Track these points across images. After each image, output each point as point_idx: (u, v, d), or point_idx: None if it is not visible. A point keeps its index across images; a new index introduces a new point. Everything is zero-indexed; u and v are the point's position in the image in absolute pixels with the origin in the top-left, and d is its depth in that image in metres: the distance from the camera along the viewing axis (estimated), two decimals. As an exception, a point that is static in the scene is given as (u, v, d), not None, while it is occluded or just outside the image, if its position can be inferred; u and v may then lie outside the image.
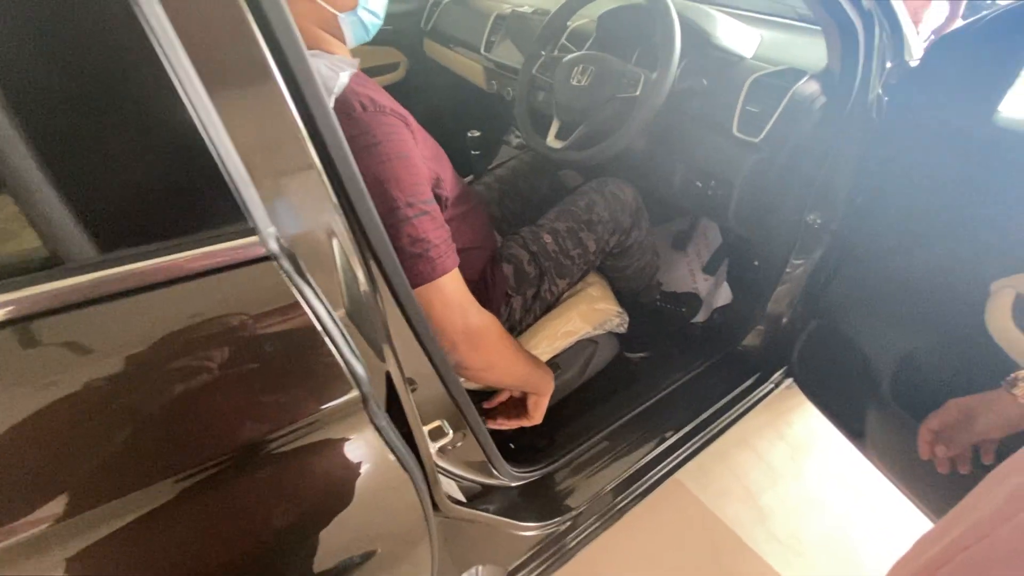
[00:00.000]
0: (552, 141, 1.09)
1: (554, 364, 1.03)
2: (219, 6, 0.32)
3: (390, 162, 0.59)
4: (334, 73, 0.58)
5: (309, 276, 0.37)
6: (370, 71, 1.89)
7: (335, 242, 0.40)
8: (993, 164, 0.76)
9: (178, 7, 0.30)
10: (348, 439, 0.42)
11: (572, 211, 1.05)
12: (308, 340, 0.37)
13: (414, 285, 0.61)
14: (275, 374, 0.36)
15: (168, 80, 0.30)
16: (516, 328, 1.01)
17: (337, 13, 0.64)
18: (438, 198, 0.73)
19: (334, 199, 0.39)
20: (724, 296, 1.41)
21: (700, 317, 1.45)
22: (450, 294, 0.65)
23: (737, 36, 1.03)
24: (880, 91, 0.88)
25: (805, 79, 0.91)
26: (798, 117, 0.90)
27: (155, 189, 0.32)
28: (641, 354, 1.35)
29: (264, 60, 0.34)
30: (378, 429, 0.43)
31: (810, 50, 1.01)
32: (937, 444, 0.69)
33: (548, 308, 1.07)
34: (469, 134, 1.51)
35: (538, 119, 1.19)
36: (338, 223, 0.40)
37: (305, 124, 0.37)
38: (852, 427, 1.08)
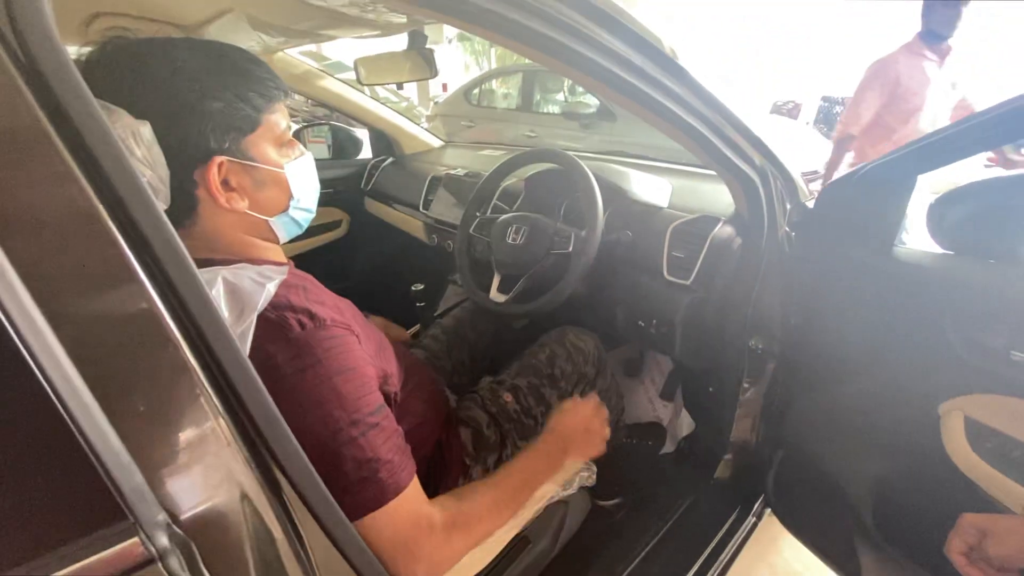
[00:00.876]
0: (495, 295, 1.10)
1: (523, 538, 0.93)
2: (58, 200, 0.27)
3: (331, 380, 0.55)
4: (260, 286, 0.55)
5: (205, 569, 0.30)
6: (313, 230, 1.93)
7: (246, 504, 0.34)
8: (899, 293, 0.82)
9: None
10: None
11: (533, 365, 1.02)
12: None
13: (362, 513, 0.54)
14: None
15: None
16: None
17: (268, 219, 0.64)
18: (387, 395, 0.68)
19: (244, 454, 0.34)
20: (687, 424, 1.38)
21: (668, 448, 1.40)
22: (401, 521, 0.58)
23: (650, 188, 1.13)
24: (787, 228, 0.97)
25: (720, 224, 0.99)
26: (721, 258, 0.97)
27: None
28: (615, 500, 1.25)
29: (135, 273, 0.29)
30: None
31: (717, 195, 1.12)
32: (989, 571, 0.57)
33: None
34: (413, 288, 1.52)
35: (480, 271, 1.22)
36: (249, 480, 0.34)
37: (204, 368, 0.33)
38: (843, 564, 1.00)
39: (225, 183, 0.58)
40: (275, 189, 0.63)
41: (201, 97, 0.53)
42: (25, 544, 0.26)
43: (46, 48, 0.27)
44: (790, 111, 6.59)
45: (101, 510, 0.27)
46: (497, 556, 0.88)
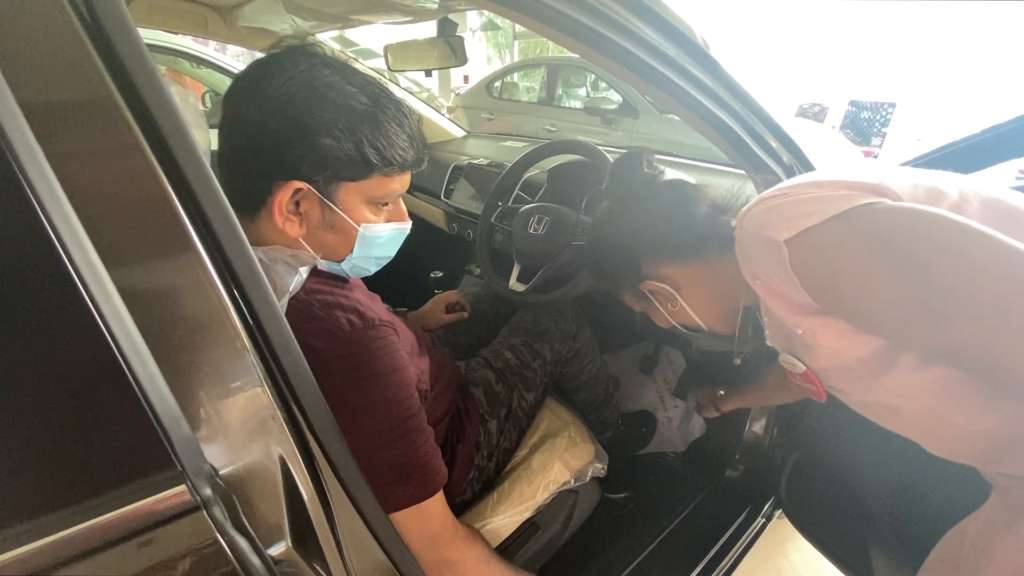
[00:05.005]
0: (514, 284, 1.11)
1: (534, 524, 0.94)
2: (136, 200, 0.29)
3: (378, 381, 0.55)
4: (292, 270, 0.55)
5: (245, 520, 0.32)
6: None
7: (281, 467, 0.35)
8: None
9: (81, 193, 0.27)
10: None
11: (523, 327, 1.08)
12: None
13: (394, 509, 0.55)
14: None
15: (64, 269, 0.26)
16: (495, 454, 0.95)
17: (317, 256, 0.61)
18: (420, 392, 0.68)
19: (283, 420, 0.35)
20: (699, 426, 1.38)
21: (679, 447, 1.40)
22: (431, 518, 0.60)
23: (675, 184, 1.12)
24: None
25: (743, 221, 0.98)
26: (743, 256, 0.96)
27: (50, 438, 0.27)
28: (624, 494, 1.26)
29: (193, 245, 0.31)
30: None
31: (741, 191, 1.11)
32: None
33: (522, 429, 1.02)
34: (432, 275, 1.53)
35: (499, 261, 1.23)
36: (287, 445, 0.35)
37: (250, 338, 0.34)
38: (856, 568, 1.00)
39: (295, 205, 0.56)
40: (340, 238, 0.60)
41: (321, 128, 0.52)
42: (81, 485, 0.27)
43: (116, 19, 0.29)
44: (816, 114, 6.44)
45: (152, 457, 0.29)
46: (507, 539, 0.90)
